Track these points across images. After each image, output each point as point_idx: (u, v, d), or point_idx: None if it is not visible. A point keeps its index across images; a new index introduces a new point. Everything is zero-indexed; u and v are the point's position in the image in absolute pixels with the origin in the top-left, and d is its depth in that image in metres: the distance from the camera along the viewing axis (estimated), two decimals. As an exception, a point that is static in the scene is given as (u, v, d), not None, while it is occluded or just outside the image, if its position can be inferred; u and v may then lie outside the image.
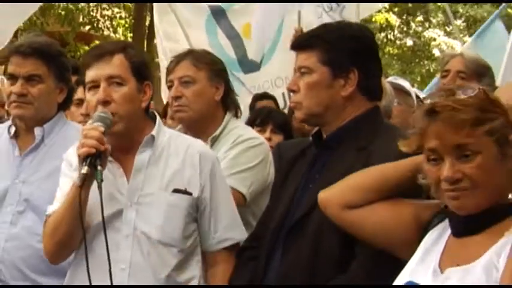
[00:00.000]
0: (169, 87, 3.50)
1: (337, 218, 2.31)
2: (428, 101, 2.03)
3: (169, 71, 3.53)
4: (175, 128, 3.64)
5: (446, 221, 2.07)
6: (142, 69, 2.80)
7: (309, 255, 2.45)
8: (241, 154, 3.36)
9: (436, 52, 19.40)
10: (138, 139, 2.78)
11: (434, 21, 20.39)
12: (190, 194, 2.76)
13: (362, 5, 6.97)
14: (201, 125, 3.44)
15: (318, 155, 2.63)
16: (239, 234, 2.89)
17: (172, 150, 2.81)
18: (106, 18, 16.94)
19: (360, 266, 2.36)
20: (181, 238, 2.74)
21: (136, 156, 2.76)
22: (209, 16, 7.04)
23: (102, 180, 2.50)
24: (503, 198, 1.98)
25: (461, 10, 18.10)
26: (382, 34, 19.38)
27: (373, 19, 17.90)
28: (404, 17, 20.23)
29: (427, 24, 20.49)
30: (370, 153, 2.45)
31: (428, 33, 20.40)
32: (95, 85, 2.72)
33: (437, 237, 2.07)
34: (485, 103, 1.97)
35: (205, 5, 7.07)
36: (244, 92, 6.32)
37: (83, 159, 2.52)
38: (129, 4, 16.82)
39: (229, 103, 3.52)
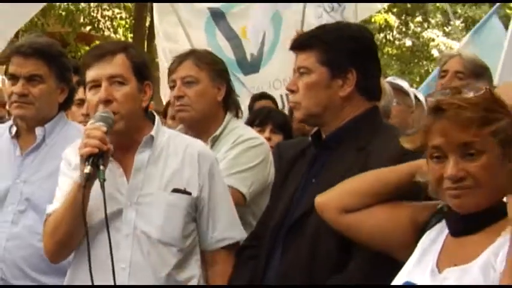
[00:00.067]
0: (172, 87, 3.51)
1: (334, 222, 2.32)
2: (432, 99, 2.02)
3: (171, 70, 3.53)
4: (175, 128, 3.64)
5: (444, 222, 2.08)
6: (143, 69, 2.81)
7: (308, 254, 2.46)
8: (241, 154, 3.37)
9: (435, 52, 19.40)
10: (138, 139, 2.79)
11: (433, 21, 20.39)
12: (189, 193, 2.78)
13: (361, 6, 6.98)
14: (203, 125, 3.45)
15: (318, 155, 2.64)
16: (238, 233, 2.91)
17: (172, 150, 2.82)
18: (106, 18, 16.95)
19: (357, 266, 2.36)
20: (181, 237, 2.75)
21: (136, 156, 2.77)
22: (208, 18, 7.05)
23: (105, 180, 2.51)
24: (502, 198, 1.97)
25: (459, 11, 18.10)
26: (381, 35, 19.38)
27: (372, 19, 17.90)
28: (403, 18, 20.23)
29: (425, 25, 20.49)
30: (369, 153, 2.46)
31: (427, 34, 20.40)
32: (96, 84, 2.73)
33: (435, 238, 2.08)
34: (491, 103, 1.97)
35: (205, 7, 7.08)
36: (245, 93, 6.32)
37: (86, 158, 2.53)
38: (129, 5, 16.83)
39: (230, 104, 3.53)
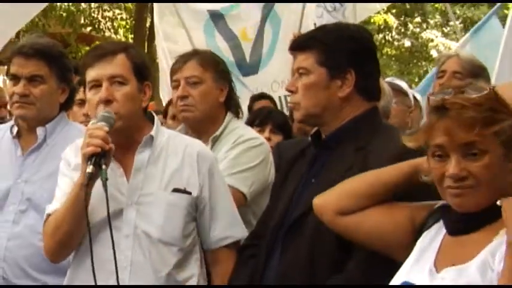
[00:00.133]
0: (175, 87, 3.51)
1: (332, 224, 2.32)
2: (435, 98, 2.02)
3: (174, 70, 3.54)
4: (175, 128, 3.66)
5: (441, 222, 2.08)
6: (143, 70, 2.82)
7: (307, 254, 2.46)
8: (242, 154, 3.38)
9: (434, 53, 19.38)
10: (137, 139, 2.80)
11: (431, 22, 20.37)
12: (189, 193, 2.79)
13: (360, 6, 6.99)
14: (204, 126, 3.46)
15: (317, 155, 2.65)
16: (239, 232, 2.92)
17: (171, 150, 2.83)
18: (107, 19, 16.95)
19: (356, 266, 2.37)
20: (181, 237, 2.76)
21: (136, 156, 2.78)
22: (208, 20, 7.06)
23: (107, 179, 2.52)
24: (501, 198, 1.97)
25: (458, 12, 18.07)
26: (380, 35, 19.37)
27: (372, 20, 17.89)
28: (402, 18, 20.22)
29: (424, 26, 20.47)
30: (369, 153, 2.46)
31: (426, 35, 20.38)
32: (96, 84, 2.74)
33: (433, 238, 2.08)
34: (495, 103, 1.97)
35: (204, 9, 7.10)
36: (246, 94, 6.33)
37: (88, 158, 2.54)
38: (130, 6, 16.83)
39: (231, 104, 3.54)
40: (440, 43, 19.93)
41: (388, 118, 3.78)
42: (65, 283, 2.84)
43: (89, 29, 16.50)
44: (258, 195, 3.36)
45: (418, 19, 20.45)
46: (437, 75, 4.29)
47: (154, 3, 7.94)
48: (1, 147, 3.25)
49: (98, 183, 2.57)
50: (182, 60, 3.53)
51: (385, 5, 11.81)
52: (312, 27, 6.06)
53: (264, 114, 4.75)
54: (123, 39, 16.58)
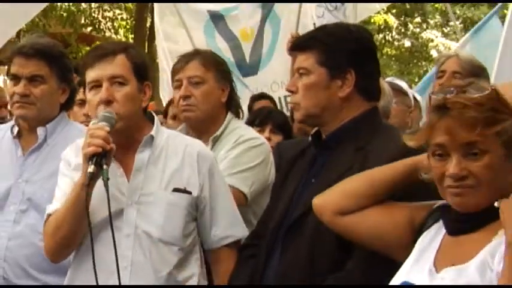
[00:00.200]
0: (177, 87, 3.51)
1: (332, 224, 2.32)
2: (436, 97, 2.02)
3: (176, 70, 3.54)
4: (176, 128, 3.67)
5: (441, 222, 2.08)
6: (143, 70, 2.83)
7: (307, 254, 2.46)
8: (242, 154, 3.38)
9: (434, 53, 19.38)
10: (138, 139, 2.80)
11: (431, 22, 20.39)
12: (189, 193, 2.79)
13: (361, 6, 6.99)
14: (206, 126, 3.46)
15: (317, 155, 2.65)
16: (240, 231, 2.93)
17: (171, 150, 2.84)
18: (107, 19, 16.95)
19: (356, 265, 2.37)
20: (182, 237, 2.77)
21: (136, 155, 2.79)
22: (208, 21, 7.07)
23: (108, 179, 2.53)
24: (500, 198, 1.97)
25: (458, 12, 18.08)
26: (381, 35, 19.39)
27: (372, 20, 17.91)
28: (402, 18, 20.23)
29: (424, 26, 20.49)
30: (369, 153, 2.46)
31: (426, 35, 20.40)
32: (96, 85, 2.74)
33: (432, 238, 2.08)
34: (497, 103, 1.97)
35: (205, 10, 7.10)
36: (247, 94, 6.33)
37: (89, 158, 2.55)
38: (130, 6, 16.84)
39: (232, 105, 3.55)
40: (440, 43, 19.95)
41: (388, 118, 3.78)
42: (65, 283, 2.84)
43: (89, 29, 16.50)
44: (259, 195, 3.36)
45: (418, 19, 20.47)
46: (437, 75, 4.30)
47: (154, 3, 7.96)
48: (2, 147, 3.26)
49: (99, 183, 2.58)
50: (184, 60, 3.53)
51: (385, 5, 11.82)
52: (311, 27, 6.10)
53: (264, 114, 4.76)
54: (124, 39, 16.59)
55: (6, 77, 3.45)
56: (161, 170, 2.79)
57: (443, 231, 2.06)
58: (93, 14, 16.43)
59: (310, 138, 2.73)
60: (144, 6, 14.26)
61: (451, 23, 17.56)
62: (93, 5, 16.30)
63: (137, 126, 2.82)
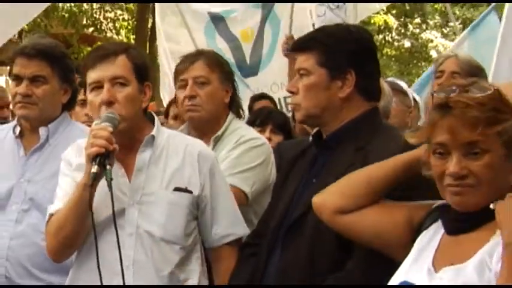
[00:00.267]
0: (181, 87, 3.50)
1: (332, 222, 2.32)
2: (438, 95, 2.02)
3: (181, 70, 3.53)
4: (177, 128, 3.68)
5: (439, 221, 2.09)
6: (144, 70, 2.83)
7: (307, 253, 2.47)
8: (243, 154, 3.39)
9: (433, 54, 19.38)
10: (139, 139, 2.81)
11: (431, 23, 20.40)
12: (190, 192, 2.80)
13: (360, 6, 6.99)
14: (208, 126, 3.47)
15: (318, 155, 2.66)
16: (241, 229, 2.94)
17: (172, 149, 2.84)
18: (109, 20, 16.95)
19: (355, 265, 2.38)
20: (183, 235, 2.78)
21: (138, 155, 2.79)
22: (208, 22, 7.08)
23: (112, 179, 2.53)
24: (500, 198, 1.97)
25: (458, 12, 18.08)
26: (380, 36, 19.39)
27: (372, 21, 17.91)
28: (402, 19, 20.23)
29: (424, 26, 20.49)
30: (368, 153, 2.47)
31: (426, 35, 20.41)
32: (98, 85, 2.75)
33: (431, 237, 2.08)
34: (499, 103, 1.97)
35: (205, 11, 7.11)
36: (249, 94, 6.32)
37: (93, 158, 2.55)
38: (131, 6, 16.85)
39: (233, 105, 3.56)
40: (439, 44, 19.95)
41: (388, 118, 3.77)
42: (67, 283, 2.85)
43: (91, 29, 16.49)
44: (260, 195, 3.37)
45: (417, 20, 20.47)
46: (436, 76, 4.32)
47: (155, 4, 7.97)
48: (4, 147, 3.27)
49: (100, 183, 2.58)
50: (189, 60, 3.53)
51: (384, 5, 11.82)
52: (309, 27, 6.11)
53: (265, 115, 4.77)
54: (125, 39, 16.59)
55: (8, 78, 3.46)
56: (162, 170, 2.80)
57: (442, 231, 2.07)
58: (94, 15, 16.42)
59: (310, 138, 2.74)
60: (145, 7, 14.27)
61: (451, 24, 17.55)
62: (94, 5, 16.30)
63: (138, 127, 2.82)
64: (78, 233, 2.70)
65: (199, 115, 3.46)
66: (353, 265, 2.38)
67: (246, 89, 6.48)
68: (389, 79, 4.92)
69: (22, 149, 3.23)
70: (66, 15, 15.05)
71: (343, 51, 2.58)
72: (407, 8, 19.53)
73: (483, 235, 1.94)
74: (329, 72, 2.58)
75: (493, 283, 1.85)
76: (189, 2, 7.21)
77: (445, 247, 2.03)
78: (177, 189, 2.79)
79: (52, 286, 3.06)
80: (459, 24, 16.60)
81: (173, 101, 5.00)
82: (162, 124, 3.10)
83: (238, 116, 3.62)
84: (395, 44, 20.66)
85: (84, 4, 15.81)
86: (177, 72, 3.57)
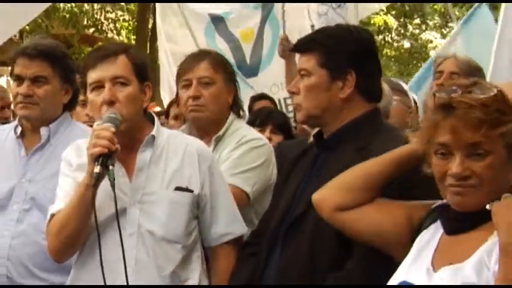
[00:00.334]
0: (185, 86, 3.49)
1: (331, 219, 2.33)
2: (441, 95, 2.01)
3: (184, 70, 3.52)
4: (178, 128, 3.69)
5: (439, 221, 2.09)
6: (144, 70, 2.84)
7: (307, 250, 2.48)
8: (245, 154, 3.39)
9: (433, 54, 19.37)
10: (139, 139, 2.82)
11: (431, 23, 20.39)
12: (191, 191, 2.81)
13: (361, 6, 7.00)
14: (211, 126, 3.47)
15: (319, 155, 2.67)
16: (239, 228, 2.95)
17: (172, 149, 2.85)
18: (110, 21, 16.97)
19: (355, 263, 2.38)
20: (184, 234, 2.79)
21: (138, 155, 2.80)
22: (209, 23, 7.09)
23: (114, 179, 2.54)
24: (499, 199, 1.97)
25: (457, 13, 18.05)
26: (380, 36, 19.39)
27: (372, 21, 17.92)
28: (401, 20, 20.23)
29: (423, 27, 20.49)
30: (369, 152, 2.45)
31: (425, 36, 20.41)
32: (99, 85, 2.75)
33: (430, 237, 2.09)
34: (502, 105, 1.97)
35: (206, 13, 7.12)
36: (251, 94, 6.33)
37: (95, 158, 2.55)
38: (132, 7, 16.88)
39: (235, 106, 3.56)
40: (439, 44, 19.90)
41: (387, 118, 3.78)
42: (68, 282, 2.86)
43: (91, 30, 16.50)
44: (261, 195, 3.38)
45: (417, 20, 20.47)
46: (435, 76, 4.34)
47: (156, 5, 7.98)
48: (5, 147, 3.28)
49: (101, 183, 2.59)
50: (193, 60, 3.52)
51: (384, 5, 11.81)
52: (303, 27, 6.11)
53: (265, 115, 4.78)
54: (126, 40, 16.62)
55: (9, 78, 3.46)
56: (163, 170, 2.81)
57: (441, 230, 2.07)
58: (95, 16, 16.44)
59: (312, 138, 2.75)
60: (146, 8, 14.29)
61: (450, 24, 17.54)
62: (95, 6, 16.32)
63: (138, 127, 2.83)
64: (80, 233, 2.70)
65: (203, 115, 3.45)
66: (353, 263, 2.38)
67: (249, 90, 6.48)
68: (390, 79, 4.93)
69: (23, 149, 3.24)
70: (67, 15, 15.06)
71: (344, 52, 2.59)
72: (407, 8, 19.53)
73: (482, 235, 1.94)
74: (329, 73, 2.59)
75: (491, 283, 1.85)
76: (189, 2, 7.22)
77: (444, 247, 2.03)
78: (177, 188, 2.80)
79: (54, 286, 3.07)
80: (458, 24, 16.59)
81: (174, 101, 5.01)
82: (162, 124, 3.11)
83: (239, 116, 3.62)
84: (395, 44, 20.66)
85: (85, 5, 15.83)
86: (181, 72, 3.55)
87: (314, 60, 2.60)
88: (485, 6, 6.84)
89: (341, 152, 2.55)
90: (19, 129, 3.26)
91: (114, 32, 17.00)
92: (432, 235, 2.09)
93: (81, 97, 3.60)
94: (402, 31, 20.53)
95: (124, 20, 17.43)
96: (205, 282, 2.87)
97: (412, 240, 2.12)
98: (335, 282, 2.39)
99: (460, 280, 1.90)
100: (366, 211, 2.26)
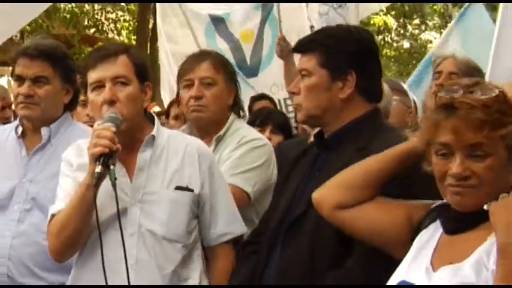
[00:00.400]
0: (186, 86, 3.49)
1: (331, 218, 2.33)
2: (443, 95, 2.01)
3: (186, 70, 3.52)
4: (178, 128, 3.70)
5: (438, 221, 2.09)
6: (144, 70, 2.85)
7: (307, 249, 2.48)
8: (246, 154, 3.40)
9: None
10: (139, 139, 2.82)
11: (430, 24, 20.38)
12: (192, 190, 2.82)
13: (362, 6, 7.00)
14: (212, 127, 3.47)
15: (319, 155, 2.67)
16: (238, 228, 2.96)
17: (172, 149, 2.86)
18: (110, 21, 16.98)
19: (355, 262, 2.38)
20: (185, 234, 2.79)
21: (138, 155, 2.80)
22: (209, 24, 7.09)
23: (116, 179, 2.54)
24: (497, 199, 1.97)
25: (457, 14, 18.09)
26: (380, 37, 19.39)
27: (371, 22, 17.92)
28: (401, 20, 20.23)
29: (423, 27, 20.49)
30: (369, 153, 2.45)
31: (425, 36, 20.41)
32: (99, 85, 2.75)
33: (430, 237, 2.09)
34: (504, 106, 1.97)
35: (206, 13, 7.12)
36: (252, 94, 6.33)
37: (96, 158, 2.56)
38: (132, 7, 16.89)
39: (235, 106, 3.57)
40: (438, 44, 19.92)
41: (387, 118, 3.78)
42: (68, 282, 2.86)
43: (92, 30, 16.52)
44: (261, 195, 3.38)
45: (417, 21, 20.46)
46: (434, 76, 4.36)
47: (156, 5, 7.98)
48: (6, 147, 3.28)
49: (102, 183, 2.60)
50: (195, 60, 3.52)
51: (384, 5, 11.81)
52: (302, 27, 6.11)
53: (265, 115, 4.79)
54: (126, 40, 16.63)
55: (10, 78, 3.47)
56: (163, 169, 2.82)
57: (441, 230, 2.08)
58: (96, 16, 16.46)
59: (312, 138, 2.76)
60: (146, 8, 14.30)
61: (450, 25, 17.52)
62: (96, 6, 16.34)
63: (139, 127, 2.84)
64: (81, 233, 2.71)
65: (205, 116, 3.45)
66: (353, 262, 2.39)
67: (250, 90, 6.48)
68: (390, 79, 4.93)
69: (24, 149, 3.24)
70: (68, 16, 15.08)
71: (344, 52, 2.59)
72: (407, 9, 19.52)
73: (481, 234, 1.94)
74: (330, 73, 2.59)
75: (490, 282, 1.86)
76: (189, 2, 7.22)
77: (443, 246, 2.04)
78: (178, 188, 2.81)
79: (55, 286, 3.07)
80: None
81: (174, 102, 5.01)
82: (162, 124, 3.11)
83: (239, 116, 3.62)
84: (395, 44, 20.65)
85: (86, 5, 15.84)
86: (182, 72, 3.55)
87: (314, 61, 2.61)
88: (478, 4, 6.86)
89: (341, 152, 2.55)
90: (20, 129, 3.27)
91: (115, 32, 17.01)
92: (432, 235, 2.09)
93: (81, 97, 3.61)
94: (402, 31, 20.52)
95: (124, 21, 17.44)
96: (205, 282, 2.87)
97: (412, 240, 2.13)
98: (335, 281, 2.39)
99: (459, 280, 1.90)
100: (366, 209, 2.26)
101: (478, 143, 1.94)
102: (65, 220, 2.69)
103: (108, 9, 16.80)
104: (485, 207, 1.92)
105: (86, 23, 16.19)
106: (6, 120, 5.52)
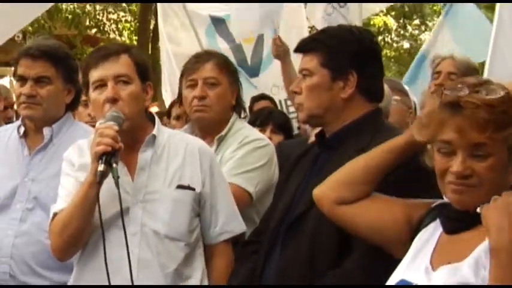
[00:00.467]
0: (190, 86, 3.49)
1: (332, 214, 2.33)
2: (448, 93, 2.00)
3: (189, 70, 3.52)
4: (180, 128, 3.71)
5: (438, 220, 2.10)
6: (145, 70, 2.86)
7: (307, 249, 2.48)
8: (248, 154, 3.40)
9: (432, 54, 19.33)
10: (140, 138, 2.83)
11: (430, 24, 20.36)
12: (193, 189, 2.82)
13: (363, 7, 7.01)
14: (215, 127, 3.48)
15: (320, 154, 2.68)
16: (238, 227, 2.96)
17: (173, 148, 2.86)
18: (112, 21, 16.98)
19: (355, 261, 2.39)
20: (187, 232, 2.80)
21: (140, 154, 2.81)
22: (209, 25, 7.10)
23: (119, 177, 2.54)
24: None
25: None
26: (380, 37, 19.37)
27: (372, 22, 17.91)
28: (401, 21, 20.22)
29: (423, 28, 20.49)
30: None
31: (425, 36, 20.33)
32: (101, 84, 2.76)
33: (429, 236, 2.09)
34: (509, 106, 1.97)
35: (207, 14, 7.13)
36: (254, 94, 6.33)
37: (99, 157, 2.56)
38: (134, 8, 16.90)
39: (237, 106, 3.57)
40: (438, 45, 19.90)
41: (387, 118, 3.78)
42: (70, 281, 2.86)
43: (94, 31, 16.51)
44: (263, 195, 3.39)
45: (416, 21, 20.46)
46: (433, 76, 4.37)
47: (158, 6, 7.99)
48: (8, 147, 3.29)
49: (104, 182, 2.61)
50: (198, 60, 3.52)
51: (385, 6, 11.80)
52: (300, 28, 6.10)
53: (265, 115, 4.79)
54: (128, 41, 16.63)
55: (12, 78, 3.48)
56: (164, 169, 2.82)
57: (440, 229, 2.08)
58: (97, 16, 16.46)
59: (313, 138, 2.76)
60: (147, 9, 14.29)
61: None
62: (97, 7, 16.34)
63: (140, 126, 2.85)
64: (83, 231, 2.71)
65: (208, 116, 3.46)
66: (352, 262, 2.39)
67: (253, 89, 6.48)
68: (390, 79, 4.94)
69: (26, 148, 3.25)
70: (70, 16, 15.08)
71: (345, 52, 2.60)
72: (406, 9, 19.52)
73: (480, 234, 1.94)
74: (331, 73, 2.60)
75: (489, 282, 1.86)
76: (189, 2, 7.23)
77: (442, 246, 2.04)
78: (179, 186, 2.81)
79: (57, 286, 3.08)
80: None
81: (175, 102, 5.02)
82: (164, 125, 3.12)
83: (239, 115, 3.63)
84: (395, 45, 20.64)
85: (87, 6, 15.85)
86: (186, 72, 3.55)
87: (316, 60, 2.62)
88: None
89: (342, 152, 2.55)
90: (22, 129, 3.27)
91: (116, 33, 17.00)
92: (431, 234, 2.10)
93: (83, 97, 3.63)
94: (402, 32, 20.51)
95: (126, 21, 17.43)
96: (205, 281, 2.88)
97: (412, 239, 2.13)
98: (334, 281, 2.40)
99: (457, 279, 1.90)
100: (366, 206, 2.27)
101: (481, 143, 1.94)
102: (67, 219, 2.70)
103: (110, 9, 16.80)
104: (478, 210, 1.92)
105: (87, 23, 16.19)
106: (8, 120, 5.54)
